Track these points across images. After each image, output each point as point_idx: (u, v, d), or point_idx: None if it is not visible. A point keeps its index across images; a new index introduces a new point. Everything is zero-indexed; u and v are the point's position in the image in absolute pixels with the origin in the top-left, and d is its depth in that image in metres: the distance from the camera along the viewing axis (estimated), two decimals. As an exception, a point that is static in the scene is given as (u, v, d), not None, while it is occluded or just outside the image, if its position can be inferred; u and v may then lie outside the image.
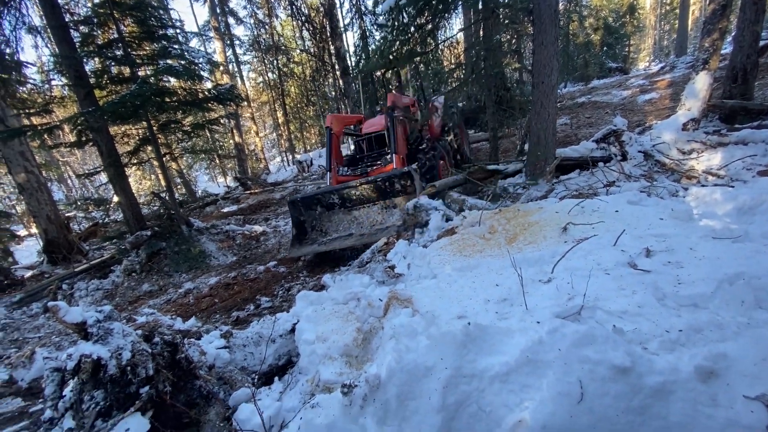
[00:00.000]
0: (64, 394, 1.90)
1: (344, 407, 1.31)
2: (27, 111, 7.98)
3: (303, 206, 5.40)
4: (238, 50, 19.25)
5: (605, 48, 25.74)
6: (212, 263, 6.57)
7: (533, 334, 1.37)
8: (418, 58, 7.52)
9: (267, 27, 19.14)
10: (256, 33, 19.52)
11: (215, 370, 2.41)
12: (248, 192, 13.11)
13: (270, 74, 20.62)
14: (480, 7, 6.51)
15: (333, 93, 20.46)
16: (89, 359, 1.87)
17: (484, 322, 1.52)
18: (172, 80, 9.27)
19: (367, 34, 17.98)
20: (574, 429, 1.13)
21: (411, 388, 1.31)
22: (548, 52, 4.78)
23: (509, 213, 3.96)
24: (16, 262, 9.86)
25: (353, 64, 15.46)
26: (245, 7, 19.07)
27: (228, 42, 17.59)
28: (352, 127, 7.20)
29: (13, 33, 6.34)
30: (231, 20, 18.18)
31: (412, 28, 6.82)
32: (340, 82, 18.36)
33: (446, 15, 7.62)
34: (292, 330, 2.76)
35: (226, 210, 11.14)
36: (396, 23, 6.97)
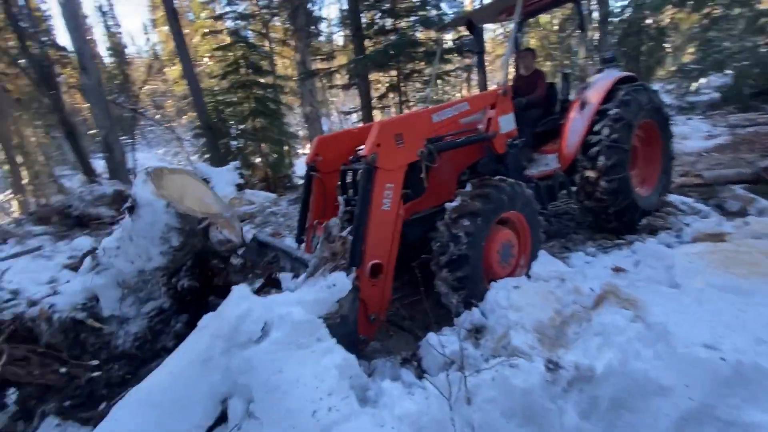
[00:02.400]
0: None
1: (546, 382, 1.27)
2: (318, 57, 10.34)
3: None
4: (486, -1, 18.74)
5: None
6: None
7: None
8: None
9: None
10: (508, -21, 18.38)
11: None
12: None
13: (512, 24, 19.43)
14: None
15: (578, 48, 17.70)
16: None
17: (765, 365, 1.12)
18: (421, 32, 9.92)
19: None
20: None
21: (632, 399, 1.14)
22: None
23: (837, 235, 2.65)
24: (295, 171, 13.59)
25: (617, 7, 12.63)
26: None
27: (478, -9, 17.35)
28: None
29: (320, -7, 8.16)
30: (485, -33, 17.67)
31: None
32: (592, 34, 15.63)
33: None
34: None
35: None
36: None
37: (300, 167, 14.78)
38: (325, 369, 1.66)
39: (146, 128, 21.20)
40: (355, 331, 2.25)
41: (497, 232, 2.94)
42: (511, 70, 4.62)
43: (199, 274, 2.06)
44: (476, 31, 4.25)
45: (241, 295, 1.79)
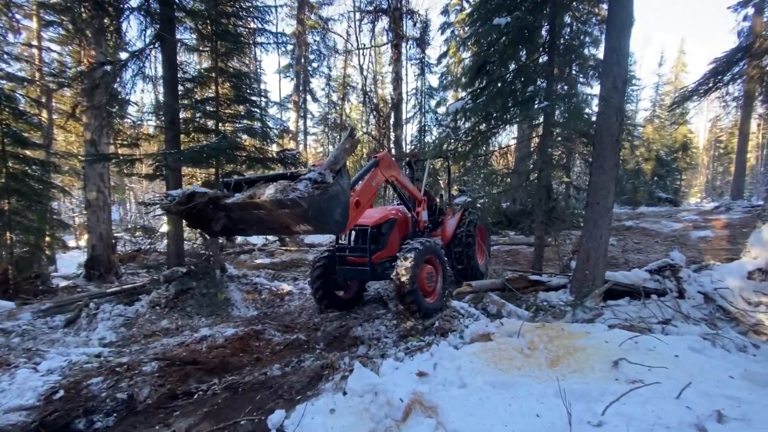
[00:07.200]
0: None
1: None
2: (119, 141, 9.02)
3: None
4: (309, 123, 21.40)
5: (656, 178, 25.81)
6: (233, 313, 6.50)
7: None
8: (472, 158, 7.72)
9: (338, 108, 21.34)
10: (327, 111, 21.78)
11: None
12: (284, 248, 13.41)
13: (331, 147, 22.45)
14: (540, 123, 6.88)
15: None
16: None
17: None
18: (246, 138, 10.19)
19: (425, 129, 19.50)
20: None
21: None
22: (607, 177, 4.85)
23: (552, 331, 3.68)
24: (57, 269, 10.32)
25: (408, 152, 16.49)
26: (323, 89, 21.65)
27: (302, 114, 19.69)
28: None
29: (132, 78, 7.49)
30: (309, 98, 20.57)
31: (472, 131, 7.28)
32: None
33: (505, 126, 8.13)
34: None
35: (258, 261, 11.33)
36: (456, 124, 7.53)
37: (65, 264, 11.33)
38: None
39: None
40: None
41: (425, 266, 5.44)
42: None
43: None
44: (410, 165, 7.92)
45: None
